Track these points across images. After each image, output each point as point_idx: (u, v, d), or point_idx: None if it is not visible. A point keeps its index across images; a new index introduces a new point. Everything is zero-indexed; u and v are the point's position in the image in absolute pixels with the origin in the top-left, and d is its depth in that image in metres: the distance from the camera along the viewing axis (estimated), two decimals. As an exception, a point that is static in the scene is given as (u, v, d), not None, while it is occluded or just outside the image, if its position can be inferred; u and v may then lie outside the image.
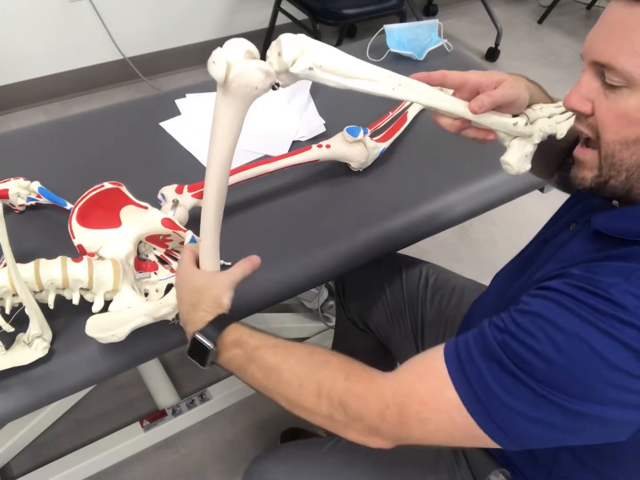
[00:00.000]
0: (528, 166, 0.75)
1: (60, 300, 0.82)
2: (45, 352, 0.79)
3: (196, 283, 0.77)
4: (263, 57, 0.65)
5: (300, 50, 0.61)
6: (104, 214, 0.89)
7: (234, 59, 0.62)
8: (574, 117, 0.69)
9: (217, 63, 0.61)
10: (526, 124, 0.73)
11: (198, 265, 0.81)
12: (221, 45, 0.64)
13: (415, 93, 0.68)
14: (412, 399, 0.63)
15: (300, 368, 0.70)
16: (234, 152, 0.70)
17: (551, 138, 0.76)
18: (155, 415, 1.46)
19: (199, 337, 0.73)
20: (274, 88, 0.64)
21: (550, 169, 0.92)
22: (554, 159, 0.89)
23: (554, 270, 0.66)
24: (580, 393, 0.56)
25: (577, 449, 0.72)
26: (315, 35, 2.48)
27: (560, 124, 0.75)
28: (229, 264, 0.95)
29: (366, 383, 0.66)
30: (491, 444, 0.61)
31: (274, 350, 0.72)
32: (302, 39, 0.62)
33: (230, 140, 0.68)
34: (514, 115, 0.73)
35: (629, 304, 0.55)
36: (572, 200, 0.85)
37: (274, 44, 0.62)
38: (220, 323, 0.74)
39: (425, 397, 0.62)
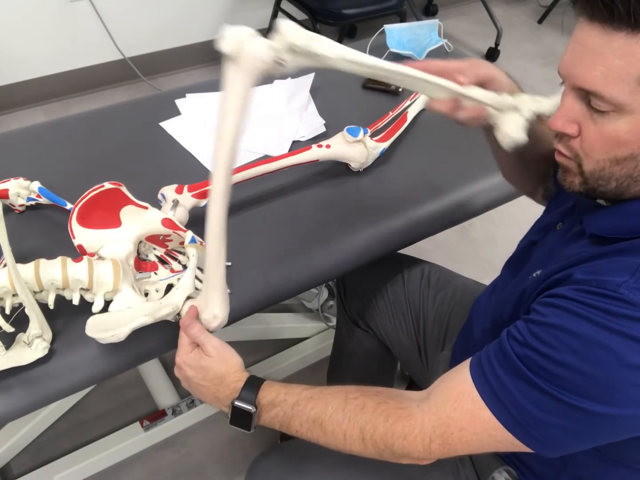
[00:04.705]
0: (523, 136, 0.77)
1: (60, 300, 0.82)
2: (45, 352, 0.79)
3: (210, 369, 0.77)
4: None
5: (297, 29, 0.69)
6: (104, 214, 0.89)
7: (243, 36, 0.68)
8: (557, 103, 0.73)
9: (229, 38, 0.67)
10: (511, 96, 0.77)
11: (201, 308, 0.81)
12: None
13: (404, 69, 0.73)
14: (452, 428, 0.66)
15: (340, 417, 0.72)
16: (243, 133, 0.72)
17: (540, 117, 0.79)
18: (155, 415, 1.46)
19: (239, 403, 0.75)
20: (280, 66, 0.69)
21: (532, 181, 0.95)
22: (534, 169, 0.92)
23: (554, 271, 0.67)
24: (606, 397, 0.58)
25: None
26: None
27: (544, 105, 0.78)
28: (229, 264, 0.95)
29: (405, 421, 0.69)
30: (531, 450, 0.64)
31: (311, 403, 0.74)
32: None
33: (239, 114, 0.70)
34: None
35: (639, 300, 0.56)
36: (553, 203, 0.87)
37: (274, 33, 0.69)
38: (252, 385, 0.76)
39: (463, 423, 0.66)
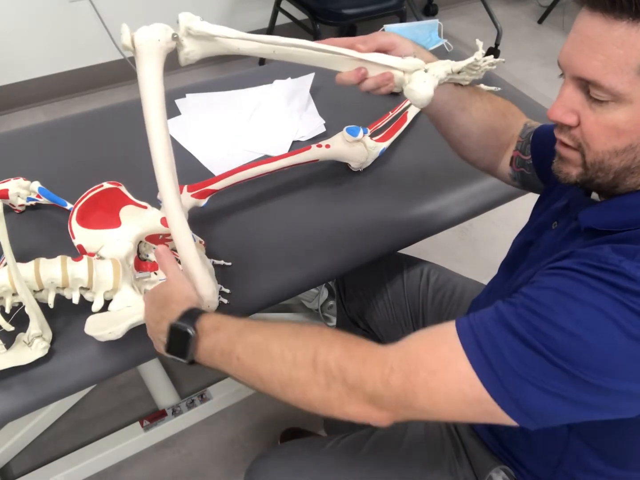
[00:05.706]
0: (431, 92, 0.76)
1: (60, 299, 0.82)
2: (45, 352, 0.79)
3: (160, 290, 0.76)
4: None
5: (192, 16, 0.76)
6: (103, 214, 0.89)
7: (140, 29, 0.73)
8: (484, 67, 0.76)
9: (123, 32, 0.74)
10: (414, 57, 0.78)
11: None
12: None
13: (302, 42, 0.75)
14: (420, 367, 0.60)
15: (291, 340, 0.66)
16: (165, 113, 0.78)
17: (462, 80, 0.82)
18: (155, 415, 1.45)
19: (176, 323, 0.70)
20: (181, 47, 0.77)
21: (492, 153, 0.94)
22: (493, 140, 0.92)
23: (551, 261, 0.67)
24: (599, 366, 0.55)
25: (591, 441, 0.71)
26: (315, 35, 2.48)
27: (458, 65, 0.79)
28: (229, 264, 0.95)
29: (367, 347, 0.64)
30: (503, 419, 0.59)
31: (260, 328, 0.69)
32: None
33: (159, 97, 0.76)
34: None
35: None
36: (545, 200, 0.86)
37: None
38: (195, 311, 0.72)
39: (434, 366, 0.60)
